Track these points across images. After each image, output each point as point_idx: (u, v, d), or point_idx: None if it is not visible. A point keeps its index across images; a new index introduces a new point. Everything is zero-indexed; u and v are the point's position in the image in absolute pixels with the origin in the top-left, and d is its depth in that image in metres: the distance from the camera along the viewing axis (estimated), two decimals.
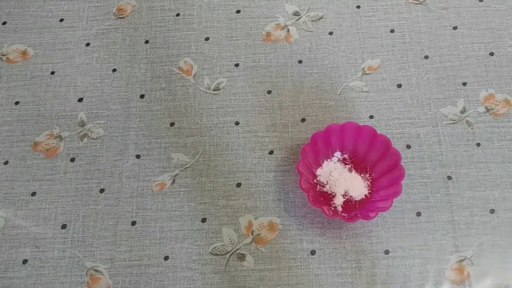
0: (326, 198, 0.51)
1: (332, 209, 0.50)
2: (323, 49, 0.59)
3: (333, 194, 0.51)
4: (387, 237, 0.51)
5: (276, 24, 0.61)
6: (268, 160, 0.54)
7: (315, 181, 0.52)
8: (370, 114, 0.56)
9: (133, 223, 0.52)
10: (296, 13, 0.61)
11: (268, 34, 0.60)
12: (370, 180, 0.52)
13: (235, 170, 0.54)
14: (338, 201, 0.51)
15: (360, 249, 0.50)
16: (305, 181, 0.50)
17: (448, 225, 0.51)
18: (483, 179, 0.53)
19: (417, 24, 0.60)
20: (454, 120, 0.55)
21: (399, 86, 0.57)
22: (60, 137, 0.56)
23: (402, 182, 0.49)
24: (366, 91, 0.57)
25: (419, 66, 0.58)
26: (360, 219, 0.48)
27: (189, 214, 0.52)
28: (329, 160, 0.53)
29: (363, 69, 0.58)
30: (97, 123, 0.57)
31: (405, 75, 0.58)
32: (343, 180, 0.52)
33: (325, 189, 0.52)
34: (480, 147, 0.54)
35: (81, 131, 0.57)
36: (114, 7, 0.63)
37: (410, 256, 0.50)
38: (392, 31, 0.59)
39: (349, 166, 0.53)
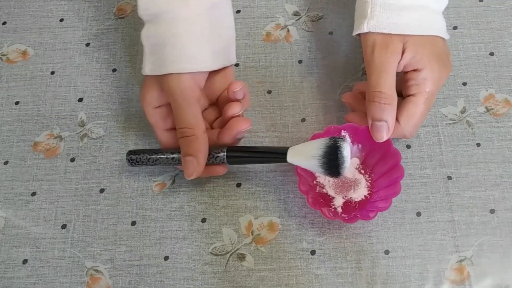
0: (325, 199, 0.51)
1: (332, 210, 0.50)
2: (323, 49, 0.59)
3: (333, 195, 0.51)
4: (387, 237, 0.51)
5: (276, 24, 0.61)
6: None
7: (314, 182, 0.52)
8: None
9: (133, 223, 0.52)
10: (296, 13, 0.61)
11: (268, 34, 0.60)
12: (370, 181, 0.52)
13: (235, 170, 0.54)
14: (338, 202, 0.51)
15: (360, 249, 0.50)
16: (305, 182, 0.50)
17: (448, 225, 0.51)
18: (483, 179, 0.53)
19: None
20: (454, 120, 0.55)
21: None
22: (60, 137, 0.56)
23: (402, 182, 0.49)
24: None
25: None
26: (360, 219, 0.48)
27: (189, 214, 0.53)
28: None
29: (363, 69, 0.58)
30: (97, 123, 0.57)
31: None
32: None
33: (324, 191, 0.52)
34: (480, 147, 0.54)
35: (81, 131, 0.57)
36: (114, 7, 0.63)
37: (410, 256, 0.50)
38: None
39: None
